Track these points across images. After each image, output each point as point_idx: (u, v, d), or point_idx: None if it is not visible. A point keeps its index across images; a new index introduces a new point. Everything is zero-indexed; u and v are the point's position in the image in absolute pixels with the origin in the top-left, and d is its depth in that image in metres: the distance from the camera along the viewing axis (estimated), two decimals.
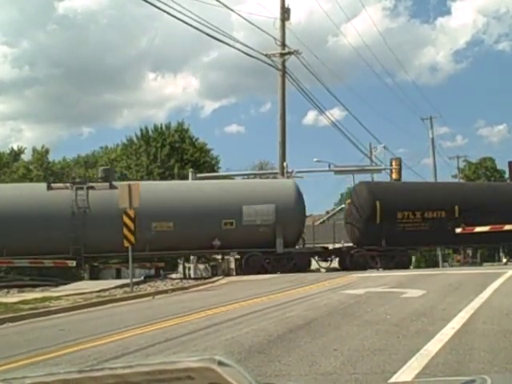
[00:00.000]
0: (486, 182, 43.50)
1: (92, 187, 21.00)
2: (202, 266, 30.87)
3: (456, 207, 23.47)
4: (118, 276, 22.91)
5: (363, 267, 21.96)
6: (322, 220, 45.28)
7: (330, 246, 25.81)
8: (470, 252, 38.39)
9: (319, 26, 59.19)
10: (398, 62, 75.75)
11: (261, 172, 37.75)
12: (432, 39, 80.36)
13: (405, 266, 22.93)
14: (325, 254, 23.87)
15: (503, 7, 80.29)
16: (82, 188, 20.75)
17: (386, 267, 22.08)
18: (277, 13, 27.93)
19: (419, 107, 69.20)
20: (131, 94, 72.32)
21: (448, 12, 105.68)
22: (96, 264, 22.49)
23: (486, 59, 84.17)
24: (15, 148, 41.36)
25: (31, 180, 32.82)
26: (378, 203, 23.15)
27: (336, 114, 70.63)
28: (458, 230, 23.10)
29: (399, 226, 23.17)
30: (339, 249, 25.16)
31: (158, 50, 69.04)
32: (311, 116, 76.88)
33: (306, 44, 60.35)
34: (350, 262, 22.98)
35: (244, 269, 21.45)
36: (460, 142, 78.48)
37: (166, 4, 19.87)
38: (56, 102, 69.12)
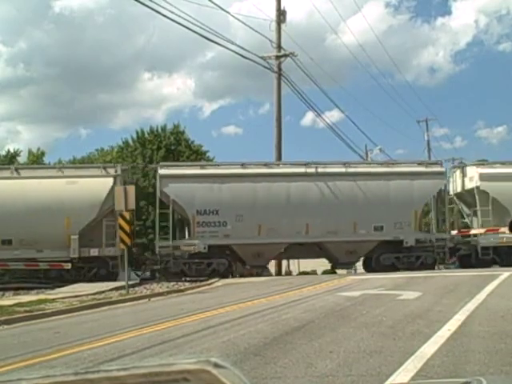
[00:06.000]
0: None
1: None
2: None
3: None
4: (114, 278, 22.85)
5: None
6: None
7: None
8: None
9: (319, 25, 59.35)
10: (397, 63, 75.87)
11: None
12: (432, 39, 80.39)
13: None
14: None
15: (504, 8, 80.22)
16: None
17: None
18: (273, 14, 28.01)
19: (419, 108, 69.53)
20: (127, 95, 72.31)
21: (449, 12, 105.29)
22: None
23: (487, 60, 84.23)
24: (11, 150, 41.42)
25: None
26: None
27: (335, 115, 71.10)
28: (454, 233, 23.09)
29: None
30: None
31: (154, 50, 69.03)
32: (309, 117, 77.01)
33: (305, 44, 60.66)
34: None
35: None
36: (459, 144, 78.49)
37: (159, 5, 19.89)
38: (51, 102, 69.05)
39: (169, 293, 16.21)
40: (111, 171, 21.10)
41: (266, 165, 22.59)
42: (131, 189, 15.93)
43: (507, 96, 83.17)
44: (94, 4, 67.55)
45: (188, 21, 21.98)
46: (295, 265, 31.44)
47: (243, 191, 21.38)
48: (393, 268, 21.52)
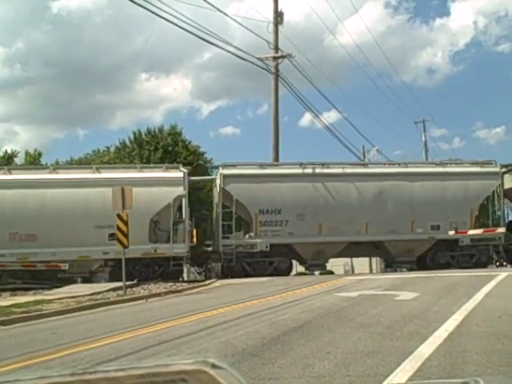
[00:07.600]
0: None
1: None
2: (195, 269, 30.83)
3: None
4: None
5: None
6: None
7: None
8: None
9: (316, 26, 59.29)
10: (395, 64, 75.74)
11: None
12: (431, 40, 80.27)
13: None
14: None
15: (503, 9, 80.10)
16: None
17: None
18: (271, 16, 28.04)
19: (417, 109, 69.55)
20: (125, 95, 71.98)
21: (447, 13, 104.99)
22: None
23: (485, 61, 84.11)
24: (8, 151, 41.31)
25: None
26: None
27: (333, 116, 71.11)
28: (451, 233, 23.13)
29: None
30: None
31: (152, 51, 68.83)
32: (307, 118, 76.90)
33: (303, 45, 60.58)
34: None
35: None
36: (457, 145, 78.34)
37: (156, 7, 19.87)
38: (49, 103, 68.72)
39: (166, 293, 16.20)
40: None
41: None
42: (129, 189, 15.94)
43: (506, 97, 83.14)
44: (91, 4, 67.41)
45: (185, 22, 21.97)
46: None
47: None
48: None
